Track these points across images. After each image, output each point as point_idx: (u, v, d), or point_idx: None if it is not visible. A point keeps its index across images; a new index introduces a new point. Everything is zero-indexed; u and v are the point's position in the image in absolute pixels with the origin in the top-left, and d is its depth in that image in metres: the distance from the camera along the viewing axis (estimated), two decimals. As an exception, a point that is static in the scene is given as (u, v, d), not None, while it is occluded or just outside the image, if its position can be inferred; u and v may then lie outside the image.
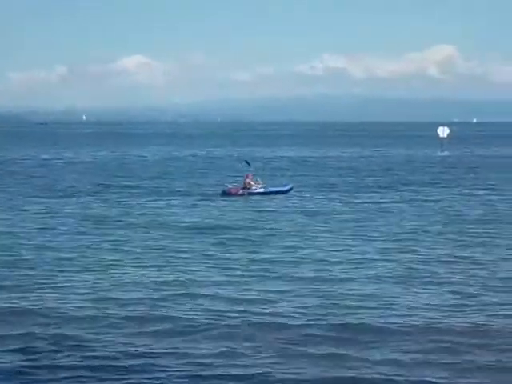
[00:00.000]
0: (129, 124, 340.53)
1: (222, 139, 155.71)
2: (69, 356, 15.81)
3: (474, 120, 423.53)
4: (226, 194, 45.76)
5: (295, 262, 25.41)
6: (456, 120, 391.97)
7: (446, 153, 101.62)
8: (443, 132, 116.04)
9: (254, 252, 27.14)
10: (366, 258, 25.92)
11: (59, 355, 15.84)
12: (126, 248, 27.87)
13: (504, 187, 51.95)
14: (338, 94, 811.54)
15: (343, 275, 23.30)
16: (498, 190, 50.38)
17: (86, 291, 21.13)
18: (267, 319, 18.44)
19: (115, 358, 15.70)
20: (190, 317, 18.63)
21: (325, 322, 18.15)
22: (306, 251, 27.28)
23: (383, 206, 41.51)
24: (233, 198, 44.37)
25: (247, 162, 50.97)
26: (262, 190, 46.17)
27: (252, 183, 46.48)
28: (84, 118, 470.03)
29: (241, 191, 45.81)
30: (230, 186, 47.15)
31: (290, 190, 47.43)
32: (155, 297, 20.55)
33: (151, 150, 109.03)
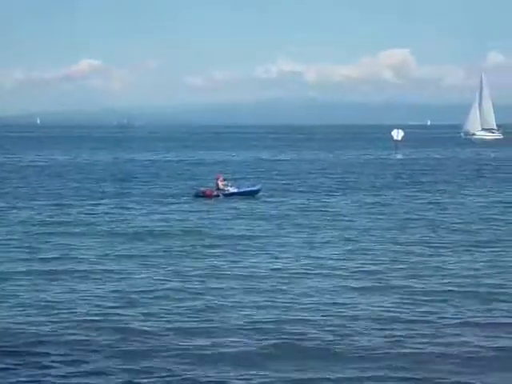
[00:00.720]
0: (84, 128, 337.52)
1: (176, 142, 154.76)
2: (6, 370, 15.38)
3: (428, 122, 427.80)
4: (199, 196, 46.19)
5: (246, 268, 25.19)
6: (411, 123, 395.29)
7: (399, 155, 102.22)
8: (397, 135, 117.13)
9: (206, 259, 26.86)
10: (318, 265, 25.74)
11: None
12: (77, 255, 27.34)
13: (455, 189, 52.64)
14: (293, 98, 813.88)
15: (293, 285, 22.92)
16: (449, 192, 50.80)
17: (31, 302, 20.63)
18: (215, 331, 18.13)
19: (61, 375, 15.33)
20: (135, 327, 18.26)
21: (274, 334, 17.89)
22: (258, 258, 27.03)
23: (336, 209, 41.43)
24: (205, 201, 44.48)
25: None
26: (235, 191, 46.95)
27: (222, 185, 46.77)
28: (38, 121, 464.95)
29: (215, 192, 46.22)
30: (202, 189, 47.44)
31: (260, 190, 48.33)
32: (102, 307, 20.14)
33: (105, 153, 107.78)
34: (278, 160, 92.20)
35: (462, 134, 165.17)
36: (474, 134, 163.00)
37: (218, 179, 47.58)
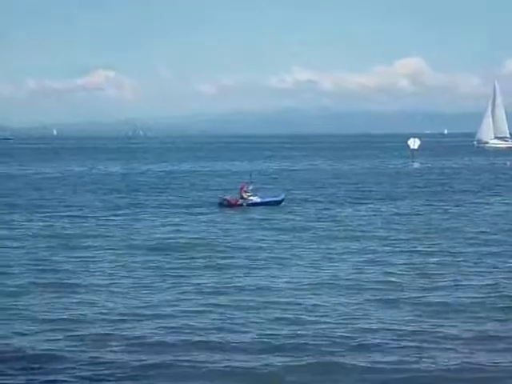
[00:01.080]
0: (99, 139, 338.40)
1: (189, 153, 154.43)
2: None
3: (445, 131, 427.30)
4: (224, 205, 46.34)
5: (263, 280, 25.02)
6: (427, 131, 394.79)
7: (416, 164, 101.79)
8: (414, 143, 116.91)
9: (223, 271, 26.69)
10: (335, 277, 25.54)
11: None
12: (92, 268, 27.23)
13: (471, 199, 52.75)
14: (307, 107, 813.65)
15: (310, 298, 22.69)
16: (465, 202, 50.70)
17: (45, 316, 20.55)
18: (231, 345, 17.98)
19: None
20: (150, 341, 18.20)
21: (290, 348, 17.72)
22: (275, 271, 26.85)
23: (354, 219, 41.22)
24: (228, 211, 44.59)
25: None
26: (258, 200, 47.00)
27: (246, 194, 46.98)
28: (55, 132, 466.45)
29: (240, 201, 46.35)
30: (227, 197, 47.59)
31: (283, 200, 48.34)
32: (115, 321, 20.05)
33: (121, 164, 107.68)
34: (295, 170, 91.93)
35: (475, 143, 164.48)
36: (486, 143, 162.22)
37: (242, 189, 47.79)
